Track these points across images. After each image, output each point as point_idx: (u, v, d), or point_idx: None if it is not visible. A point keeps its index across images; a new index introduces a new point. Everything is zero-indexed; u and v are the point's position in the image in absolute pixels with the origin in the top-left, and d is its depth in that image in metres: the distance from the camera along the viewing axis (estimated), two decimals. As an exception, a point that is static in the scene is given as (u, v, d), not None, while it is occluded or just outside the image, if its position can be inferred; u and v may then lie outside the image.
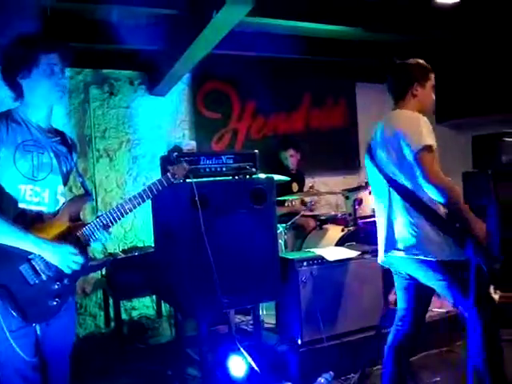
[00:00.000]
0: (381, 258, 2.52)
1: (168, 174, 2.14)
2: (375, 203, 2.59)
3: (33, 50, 1.85)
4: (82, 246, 1.88)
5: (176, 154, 2.79)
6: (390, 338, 2.51)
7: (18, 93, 1.90)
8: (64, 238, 1.86)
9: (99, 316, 4.64)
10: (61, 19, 3.85)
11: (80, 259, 1.83)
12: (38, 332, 1.86)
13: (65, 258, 1.81)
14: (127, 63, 4.78)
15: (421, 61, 2.51)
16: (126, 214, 1.96)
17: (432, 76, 2.51)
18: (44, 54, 1.85)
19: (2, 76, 1.89)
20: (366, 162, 2.59)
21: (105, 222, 1.92)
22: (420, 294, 2.44)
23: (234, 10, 2.86)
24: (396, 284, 2.56)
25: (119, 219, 1.95)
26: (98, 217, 1.94)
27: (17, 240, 1.76)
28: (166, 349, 3.67)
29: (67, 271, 1.83)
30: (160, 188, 2.06)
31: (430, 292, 2.43)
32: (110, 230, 1.95)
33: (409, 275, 2.42)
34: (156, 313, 4.50)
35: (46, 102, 1.92)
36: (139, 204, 1.99)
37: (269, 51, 4.94)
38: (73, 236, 1.88)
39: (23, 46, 1.87)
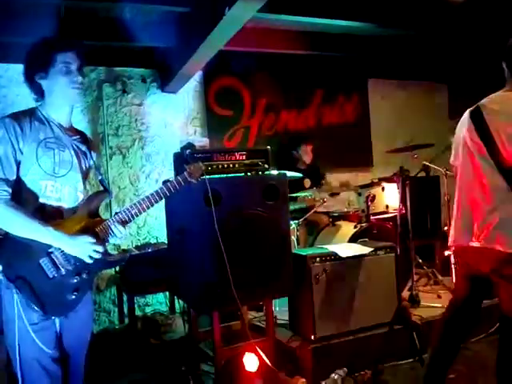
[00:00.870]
0: (460, 242, 2.37)
1: (185, 173, 2.16)
2: (463, 186, 2.38)
3: (49, 50, 1.90)
4: (100, 240, 1.91)
5: (189, 150, 2.81)
6: (447, 314, 2.50)
7: (39, 93, 1.96)
8: (83, 233, 1.89)
9: (113, 312, 4.69)
10: (74, 18, 3.91)
11: (100, 248, 1.87)
12: (57, 325, 1.90)
13: (84, 248, 1.84)
14: (140, 61, 4.83)
15: None
16: (144, 211, 2.00)
17: None
18: (60, 53, 1.90)
19: (24, 77, 1.96)
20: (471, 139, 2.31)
21: (123, 218, 1.96)
22: (484, 285, 2.35)
23: (246, 5, 2.86)
24: (461, 272, 2.51)
25: (137, 216, 1.99)
26: (116, 213, 1.98)
27: (36, 232, 1.79)
28: (179, 344, 3.68)
29: (89, 261, 1.86)
30: (177, 187, 2.10)
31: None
32: (128, 226, 1.98)
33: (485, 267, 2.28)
34: (169, 309, 4.53)
35: (64, 100, 1.96)
36: (156, 202, 2.02)
37: (280, 47, 4.94)
38: (92, 231, 1.91)
39: (40, 47, 1.92)
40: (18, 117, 1.87)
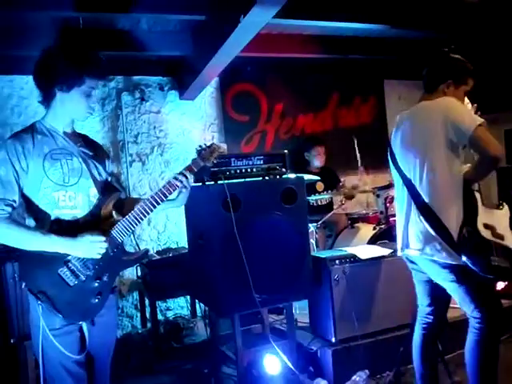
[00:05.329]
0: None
1: (197, 158, 2.13)
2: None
3: (81, 70, 1.90)
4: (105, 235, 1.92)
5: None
6: (416, 336, 2.56)
7: (48, 100, 1.96)
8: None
9: (136, 317, 4.75)
10: (92, 29, 3.98)
11: (103, 242, 1.87)
12: (85, 330, 1.94)
13: (88, 247, 1.86)
14: (157, 69, 4.89)
15: (464, 60, 2.33)
16: (158, 204, 1.98)
17: (470, 81, 2.35)
18: (90, 77, 1.92)
19: (40, 80, 1.95)
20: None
21: (136, 215, 1.96)
22: (438, 291, 2.45)
23: (261, 12, 2.88)
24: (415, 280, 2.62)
25: (151, 211, 1.98)
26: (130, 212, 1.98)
27: (39, 242, 1.82)
28: (201, 348, 3.74)
29: (97, 257, 1.88)
30: (194, 171, 2.08)
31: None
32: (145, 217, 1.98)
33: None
34: (190, 313, 4.57)
35: (71, 116, 1.99)
36: (170, 193, 2.01)
37: (295, 52, 4.96)
38: (104, 232, 1.92)
39: (74, 64, 1.90)
40: (19, 136, 1.88)
